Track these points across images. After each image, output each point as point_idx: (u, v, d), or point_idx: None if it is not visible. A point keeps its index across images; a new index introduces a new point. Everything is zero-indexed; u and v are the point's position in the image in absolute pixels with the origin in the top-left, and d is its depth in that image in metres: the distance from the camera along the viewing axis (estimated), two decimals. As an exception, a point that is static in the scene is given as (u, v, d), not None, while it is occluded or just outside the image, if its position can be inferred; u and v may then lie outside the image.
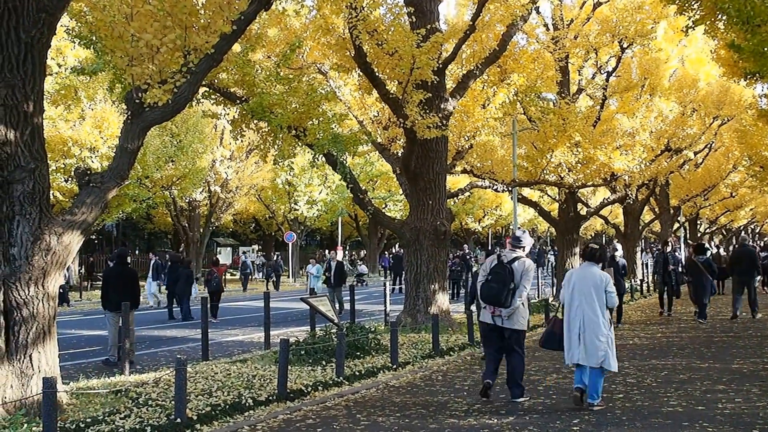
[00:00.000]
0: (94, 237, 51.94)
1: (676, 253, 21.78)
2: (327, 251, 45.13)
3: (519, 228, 11.04)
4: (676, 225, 41.96)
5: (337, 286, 24.40)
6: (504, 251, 10.34)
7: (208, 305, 16.68)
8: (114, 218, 39.19)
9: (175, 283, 23.68)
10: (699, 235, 47.54)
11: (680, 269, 21.45)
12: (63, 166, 28.70)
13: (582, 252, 10.64)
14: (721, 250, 39.64)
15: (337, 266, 24.44)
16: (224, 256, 49.14)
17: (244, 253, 50.29)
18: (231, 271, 49.56)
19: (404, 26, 16.47)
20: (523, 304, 10.03)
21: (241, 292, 37.42)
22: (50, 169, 27.57)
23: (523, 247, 10.22)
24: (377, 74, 16.23)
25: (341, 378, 11.62)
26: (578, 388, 9.51)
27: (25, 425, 8.23)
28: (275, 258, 46.26)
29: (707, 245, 27.78)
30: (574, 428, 8.43)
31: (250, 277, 41.93)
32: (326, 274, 25.50)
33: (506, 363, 10.22)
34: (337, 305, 22.71)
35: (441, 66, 17.04)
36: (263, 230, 63.66)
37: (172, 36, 9.71)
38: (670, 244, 21.48)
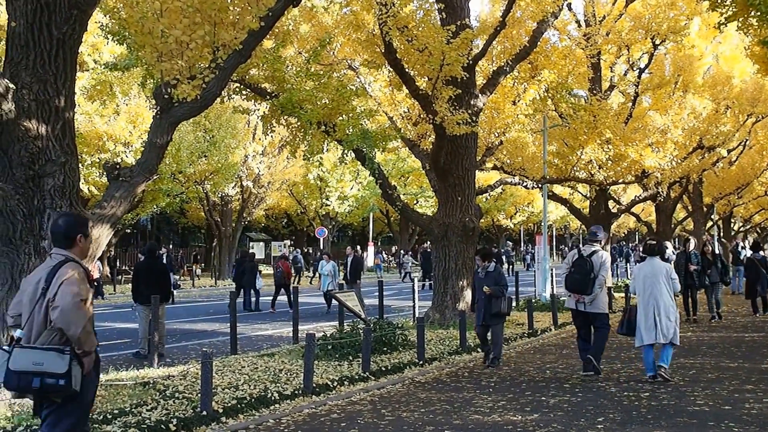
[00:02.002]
0: (129, 231, 52.48)
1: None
2: (358, 247, 45.20)
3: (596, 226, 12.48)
4: (710, 223, 41.51)
5: (353, 281, 24.30)
6: (583, 247, 11.84)
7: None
8: (148, 212, 39.60)
9: (241, 276, 24.93)
10: (732, 233, 46.91)
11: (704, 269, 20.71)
12: (98, 160, 28.99)
13: (643, 248, 12.30)
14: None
15: (353, 261, 24.39)
16: (257, 251, 49.29)
17: (294, 248, 50.57)
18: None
19: (434, 22, 16.49)
20: (602, 290, 11.49)
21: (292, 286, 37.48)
22: (86, 164, 28.21)
23: (600, 241, 11.86)
24: (407, 70, 16.25)
25: (367, 373, 11.67)
26: (653, 368, 11.02)
27: (55, 415, 8.35)
28: (317, 253, 46.40)
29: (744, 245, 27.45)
30: (599, 426, 8.42)
31: (302, 272, 42.05)
32: (343, 270, 25.70)
33: (593, 338, 11.69)
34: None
35: (471, 62, 17.02)
36: (295, 225, 63.97)
37: (201, 32, 9.81)
38: (692, 241, 20.79)
